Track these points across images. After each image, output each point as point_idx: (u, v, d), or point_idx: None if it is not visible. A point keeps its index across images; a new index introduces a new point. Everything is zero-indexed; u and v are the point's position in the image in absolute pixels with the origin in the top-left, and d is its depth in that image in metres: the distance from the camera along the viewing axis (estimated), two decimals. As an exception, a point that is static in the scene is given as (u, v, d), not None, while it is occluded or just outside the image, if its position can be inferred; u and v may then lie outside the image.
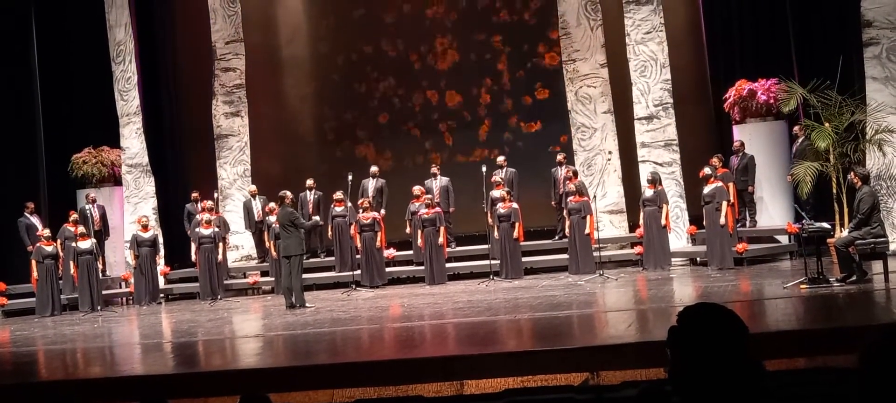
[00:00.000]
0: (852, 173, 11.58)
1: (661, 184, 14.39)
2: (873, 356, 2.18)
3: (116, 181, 17.23)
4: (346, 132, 18.28)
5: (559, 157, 15.78)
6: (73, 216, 15.89)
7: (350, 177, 15.99)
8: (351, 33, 18.23)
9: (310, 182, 16.46)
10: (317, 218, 15.08)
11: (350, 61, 18.24)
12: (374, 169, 16.41)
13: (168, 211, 17.51)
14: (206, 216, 15.47)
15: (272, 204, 15.37)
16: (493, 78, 17.69)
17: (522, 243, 15.01)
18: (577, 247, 14.42)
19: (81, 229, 15.39)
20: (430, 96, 17.94)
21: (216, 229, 15.51)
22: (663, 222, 14.16)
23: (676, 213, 14.88)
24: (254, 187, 16.63)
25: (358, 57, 18.19)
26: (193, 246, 15.59)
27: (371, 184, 16.20)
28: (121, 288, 16.44)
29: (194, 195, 16.72)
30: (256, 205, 16.39)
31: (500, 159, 16.05)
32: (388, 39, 18.07)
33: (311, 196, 16.35)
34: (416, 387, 7.56)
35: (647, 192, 14.35)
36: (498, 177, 15.48)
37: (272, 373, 8.42)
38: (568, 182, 15.07)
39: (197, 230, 15.46)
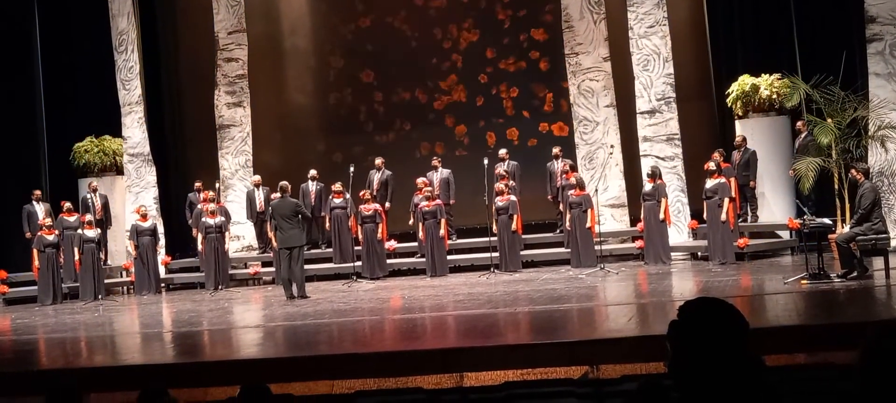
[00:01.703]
0: (854, 169, 11.57)
1: (660, 177, 14.38)
2: (874, 352, 2.18)
3: (119, 170, 17.23)
4: (349, 123, 18.26)
5: (555, 150, 15.77)
6: (67, 205, 15.88)
7: (352, 169, 15.97)
8: (355, 23, 18.19)
9: (313, 172, 16.45)
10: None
11: (353, 51, 18.20)
12: (378, 160, 16.36)
13: (169, 201, 17.51)
14: (211, 206, 15.47)
15: (276, 194, 15.37)
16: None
17: (523, 236, 15.02)
18: (578, 241, 14.41)
19: (88, 217, 15.43)
20: (432, 92, 17.91)
21: (222, 219, 15.52)
22: (661, 216, 14.15)
23: (678, 208, 14.88)
24: (258, 177, 16.59)
25: (361, 47, 18.15)
26: (199, 236, 15.59)
27: (376, 176, 16.17)
28: (122, 277, 16.46)
29: (197, 185, 16.71)
30: (259, 196, 16.35)
31: (502, 152, 16.04)
32: (392, 29, 18.04)
33: (313, 186, 16.35)
34: (416, 379, 7.57)
35: (647, 186, 14.34)
36: (501, 169, 15.47)
37: (273, 364, 8.43)
38: (565, 176, 15.07)
39: (203, 220, 15.46)
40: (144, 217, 15.68)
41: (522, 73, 17.57)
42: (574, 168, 15.31)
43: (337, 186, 15.60)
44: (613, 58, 15.79)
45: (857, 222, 10.89)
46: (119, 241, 16.93)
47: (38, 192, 16.40)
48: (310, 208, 15.49)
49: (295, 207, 13.29)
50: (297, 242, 13.06)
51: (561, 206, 15.17)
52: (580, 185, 14.58)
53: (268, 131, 17.98)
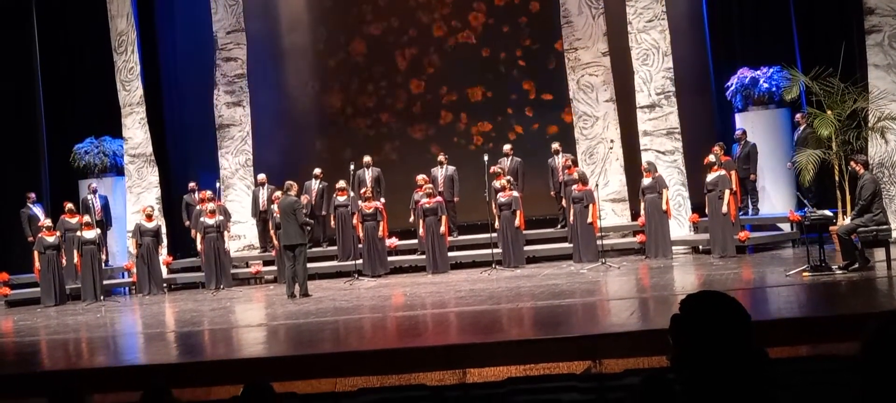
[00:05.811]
0: (854, 161, 11.58)
1: (657, 170, 14.39)
2: (876, 343, 2.18)
3: (119, 171, 17.23)
4: (349, 121, 18.24)
5: (555, 146, 15.76)
6: (69, 206, 15.88)
7: (352, 167, 15.98)
8: (353, 20, 18.18)
9: (317, 171, 16.43)
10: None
11: (352, 48, 18.18)
12: (367, 158, 16.31)
13: (170, 201, 17.51)
14: (210, 205, 15.48)
15: (278, 193, 15.38)
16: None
17: (525, 232, 15.02)
18: (580, 236, 14.42)
19: (86, 219, 15.43)
20: (432, 89, 17.90)
21: (220, 218, 15.52)
22: (664, 208, 14.15)
23: (679, 201, 14.88)
24: (263, 176, 16.56)
25: (360, 44, 18.14)
26: (198, 236, 15.60)
27: (368, 174, 16.15)
28: (123, 277, 16.46)
29: (191, 185, 16.72)
30: (263, 195, 16.33)
31: (506, 147, 16.03)
32: (389, 27, 18.02)
33: (315, 185, 16.33)
34: (418, 376, 7.58)
35: (645, 181, 14.35)
36: (504, 164, 15.46)
37: (276, 362, 8.44)
38: (567, 171, 15.06)
39: (202, 219, 15.47)
40: (150, 217, 15.67)
41: (522, 68, 17.53)
42: (575, 163, 15.29)
43: (341, 184, 15.61)
44: (612, 52, 15.78)
45: (857, 213, 10.89)
46: (120, 242, 16.94)
47: (32, 194, 16.41)
48: (310, 206, 15.50)
49: (293, 205, 13.27)
50: (296, 240, 13.07)
51: (564, 202, 15.16)
52: (582, 180, 14.58)
53: (268, 130, 17.97)
